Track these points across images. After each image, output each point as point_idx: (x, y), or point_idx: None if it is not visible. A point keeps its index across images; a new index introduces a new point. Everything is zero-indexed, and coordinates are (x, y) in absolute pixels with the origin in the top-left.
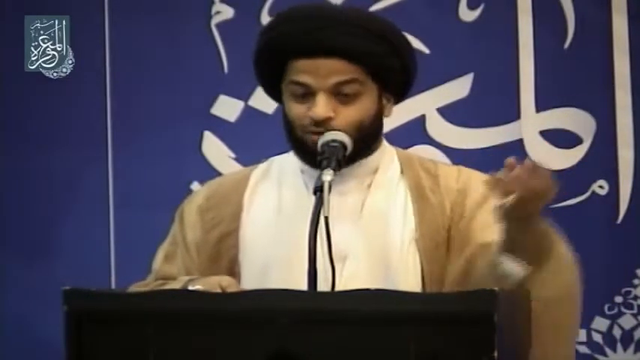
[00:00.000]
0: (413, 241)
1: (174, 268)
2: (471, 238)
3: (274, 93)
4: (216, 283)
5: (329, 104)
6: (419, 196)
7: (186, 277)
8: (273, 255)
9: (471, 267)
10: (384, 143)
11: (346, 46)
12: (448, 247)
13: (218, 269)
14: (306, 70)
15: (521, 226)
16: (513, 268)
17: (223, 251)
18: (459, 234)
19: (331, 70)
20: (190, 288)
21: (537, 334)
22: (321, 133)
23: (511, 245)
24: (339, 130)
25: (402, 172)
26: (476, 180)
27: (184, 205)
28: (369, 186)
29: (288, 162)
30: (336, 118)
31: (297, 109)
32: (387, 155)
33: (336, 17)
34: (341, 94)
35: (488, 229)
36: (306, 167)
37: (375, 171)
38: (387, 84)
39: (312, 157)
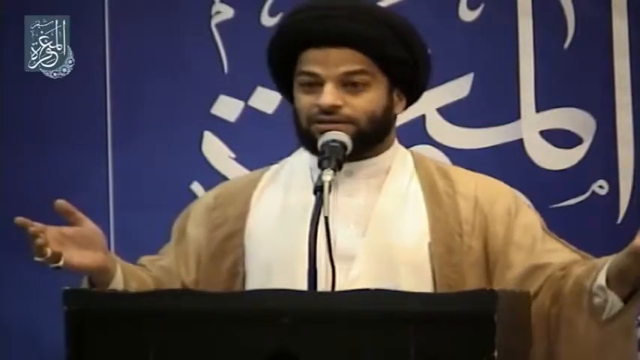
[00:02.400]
0: (425, 244)
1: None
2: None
3: (285, 88)
4: None
5: (337, 93)
6: (433, 198)
7: None
8: (277, 254)
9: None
10: (396, 143)
11: (354, 33)
12: (492, 261)
13: (220, 269)
14: (316, 60)
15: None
16: (613, 299)
17: (228, 250)
18: (498, 248)
19: (340, 59)
20: None
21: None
22: (329, 122)
23: (620, 274)
24: (347, 120)
25: (415, 173)
26: (496, 188)
27: (193, 204)
28: (380, 187)
29: (300, 161)
30: (344, 107)
31: (305, 100)
32: (399, 156)
33: (344, 6)
34: (350, 85)
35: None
36: (315, 162)
37: (387, 171)
38: (397, 79)
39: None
